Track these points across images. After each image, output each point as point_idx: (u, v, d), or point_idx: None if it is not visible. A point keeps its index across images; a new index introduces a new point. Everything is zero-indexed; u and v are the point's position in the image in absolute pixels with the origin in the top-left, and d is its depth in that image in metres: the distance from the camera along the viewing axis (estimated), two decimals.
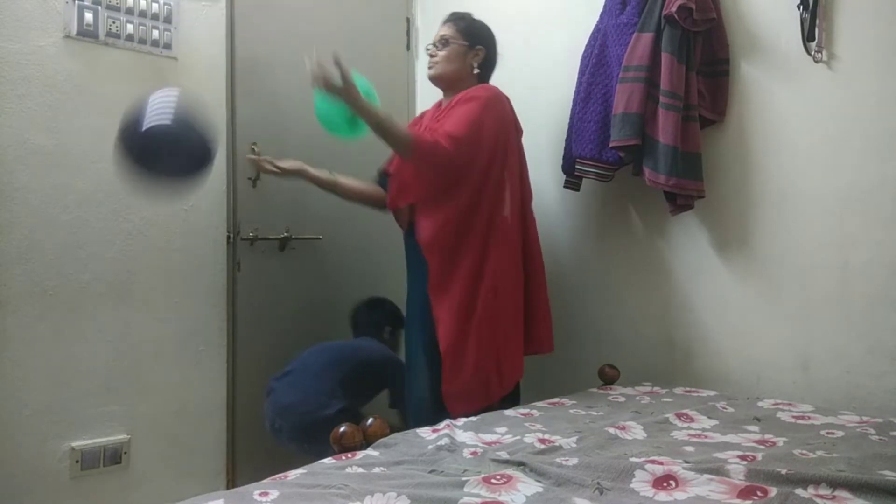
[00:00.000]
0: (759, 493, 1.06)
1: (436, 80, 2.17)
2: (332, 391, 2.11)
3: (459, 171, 1.95)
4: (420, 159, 1.93)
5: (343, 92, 1.82)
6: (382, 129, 1.88)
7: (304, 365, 2.21)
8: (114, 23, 1.99)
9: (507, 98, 2.11)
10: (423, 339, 2.07)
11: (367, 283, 2.72)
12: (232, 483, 2.27)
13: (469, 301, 1.97)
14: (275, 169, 2.22)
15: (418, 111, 2.87)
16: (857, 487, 1.06)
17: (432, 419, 1.65)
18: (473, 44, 2.14)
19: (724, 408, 1.68)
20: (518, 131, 2.15)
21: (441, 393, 1.99)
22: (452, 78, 2.13)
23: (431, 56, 2.16)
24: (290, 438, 2.11)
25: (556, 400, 1.83)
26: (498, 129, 2.02)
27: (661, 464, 1.20)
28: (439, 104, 2.21)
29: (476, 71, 2.14)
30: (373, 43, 2.84)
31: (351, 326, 2.50)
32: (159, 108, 1.64)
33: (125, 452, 2.02)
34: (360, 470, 1.21)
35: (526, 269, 2.11)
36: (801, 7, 1.85)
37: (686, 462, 1.23)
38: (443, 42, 2.14)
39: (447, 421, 1.53)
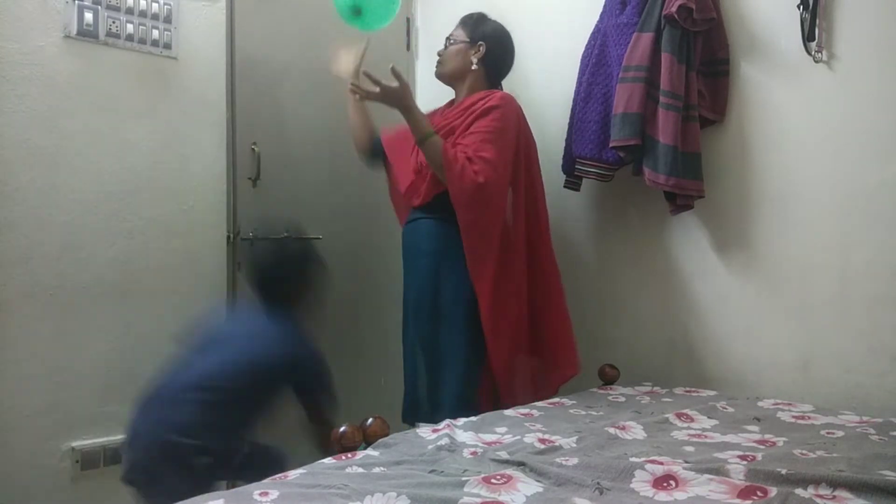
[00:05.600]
0: (759, 493, 1.06)
1: (439, 77, 2.25)
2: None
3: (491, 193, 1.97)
4: (450, 183, 1.94)
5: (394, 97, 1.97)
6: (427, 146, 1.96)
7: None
8: (114, 23, 1.99)
9: (520, 106, 2.12)
10: (424, 335, 2.06)
11: (366, 283, 2.72)
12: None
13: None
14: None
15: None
16: (857, 487, 1.06)
17: (431, 418, 1.66)
18: (475, 40, 2.15)
19: (724, 408, 1.68)
20: (531, 140, 2.17)
21: (427, 390, 2.01)
22: (454, 75, 2.19)
23: (440, 55, 2.23)
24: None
25: (556, 400, 1.83)
26: (516, 139, 2.06)
27: (661, 464, 1.20)
28: (451, 102, 2.23)
29: (474, 67, 2.14)
30: (373, 43, 2.82)
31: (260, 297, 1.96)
32: None
33: None
34: (360, 470, 1.21)
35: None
36: (801, 7, 1.85)
37: (686, 462, 1.23)
38: (448, 41, 2.21)
39: (447, 421, 1.53)
